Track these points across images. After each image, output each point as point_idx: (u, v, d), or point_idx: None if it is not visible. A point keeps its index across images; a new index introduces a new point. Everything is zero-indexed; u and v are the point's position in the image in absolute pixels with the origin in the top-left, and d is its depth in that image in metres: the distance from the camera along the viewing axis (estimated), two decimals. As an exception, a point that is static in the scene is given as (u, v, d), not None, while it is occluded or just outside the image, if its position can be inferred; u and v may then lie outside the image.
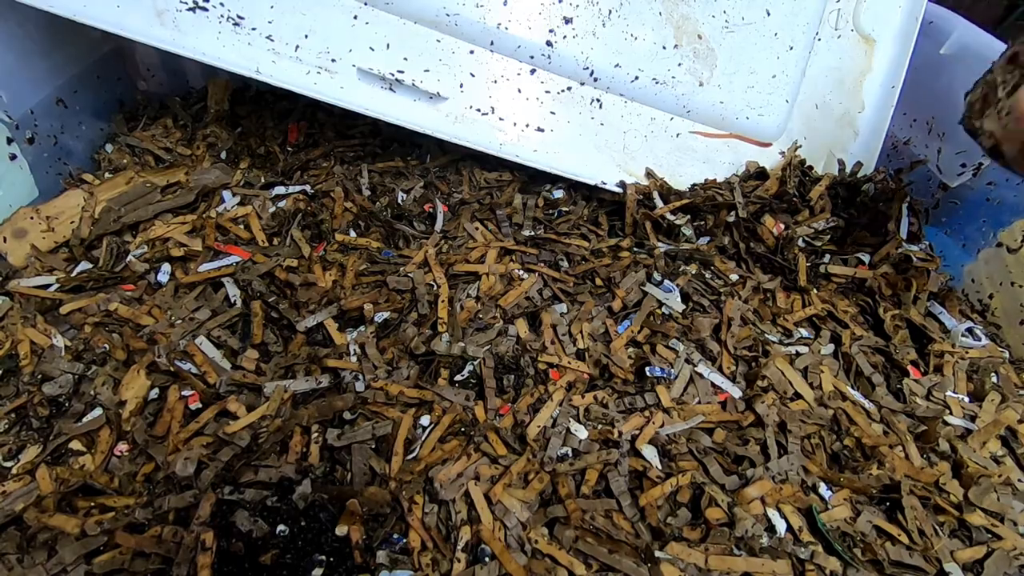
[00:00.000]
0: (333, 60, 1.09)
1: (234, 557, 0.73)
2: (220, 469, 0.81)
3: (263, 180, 1.26)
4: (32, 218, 1.12)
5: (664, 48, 1.20)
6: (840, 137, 1.38)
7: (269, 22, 1.06)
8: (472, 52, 1.13)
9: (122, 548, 0.73)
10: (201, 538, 0.73)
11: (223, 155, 1.34)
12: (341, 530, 0.75)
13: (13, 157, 1.14)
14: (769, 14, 1.27)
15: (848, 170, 1.31)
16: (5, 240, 1.10)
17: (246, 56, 1.06)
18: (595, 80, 1.18)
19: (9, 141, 1.13)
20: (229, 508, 0.77)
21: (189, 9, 1.03)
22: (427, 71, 1.11)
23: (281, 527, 0.75)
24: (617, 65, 1.18)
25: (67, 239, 1.13)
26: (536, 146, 1.16)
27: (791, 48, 1.30)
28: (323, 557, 0.73)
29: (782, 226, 1.17)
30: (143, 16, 1.01)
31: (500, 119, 1.14)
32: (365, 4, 1.08)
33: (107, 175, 1.26)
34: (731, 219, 1.18)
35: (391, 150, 1.37)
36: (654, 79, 1.20)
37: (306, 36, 1.08)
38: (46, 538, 0.74)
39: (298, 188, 1.24)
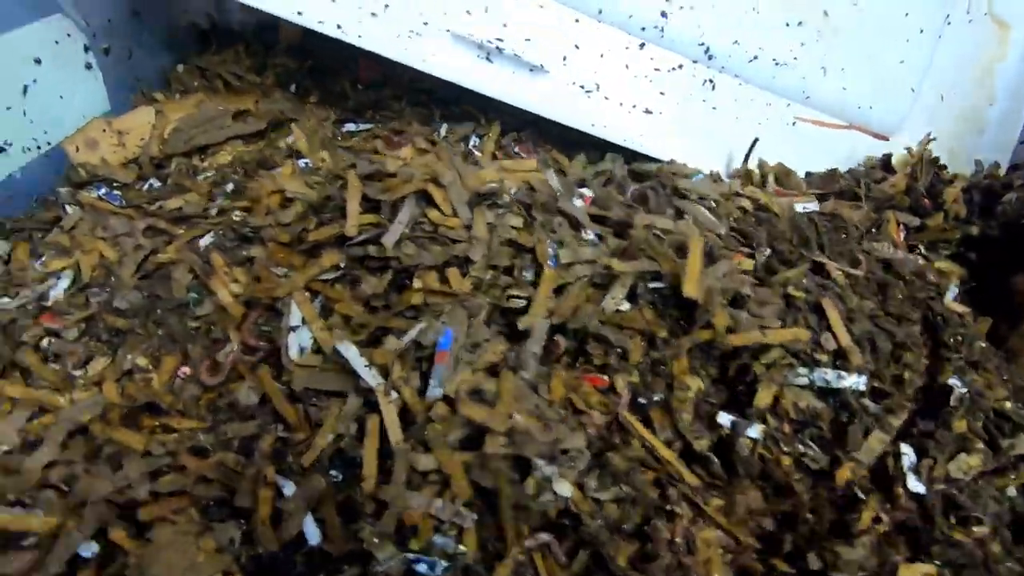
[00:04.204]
0: (425, 23, 0.98)
1: None
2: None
3: (333, 116, 1.24)
4: (104, 130, 1.12)
5: (788, 25, 1.07)
6: (965, 132, 1.24)
7: (356, -23, 0.95)
8: (577, 21, 1.01)
9: (187, 470, 0.70)
10: (263, 473, 0.68)
11: (292, 88, 1.31)
12: None
13: (89, 66, 1.12)
14: (902, -9, 1.14)
15: (984, 171, 1.17)
16: (77, 149, 1.09)
17: (328, 11, 0.96)
18: (710, 58, 1.06)
19: (86, 49, 1.10)
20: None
21: None
22: (528, 40, 1.00)
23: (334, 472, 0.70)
24: (736, 42, 1.05)
25: (136, 156, 1.14)
26: (644, 130, 1.05)
27: (921, 31, 1.17)
28: None
29: (902, 234, 1.04)
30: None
31: (605, 98, 1.03)
32: (462, -38, 0.96)
33: (177, 96, 1.27)
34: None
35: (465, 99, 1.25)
36: (774, 60, 1.08)
37: (397, -6, 0.97)
38: (111, 452, 0.72)
39: (368, 126, 1.21)
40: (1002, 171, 1.19)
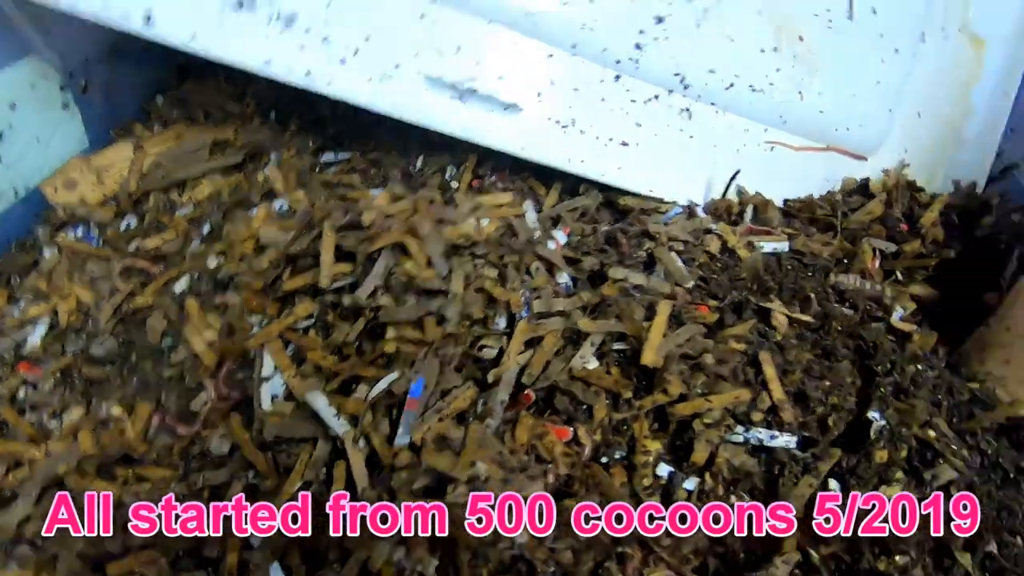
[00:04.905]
0: (397, 66, 0.98)
1: None
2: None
3: (312, 145, 1.23)
4: (83, 169, 1.12)
5: (763, 51, 1.07)
6: (943, 150, 1.25)
7: (325, 22, 0.94)
8: (551, 56, 1.01)
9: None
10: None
11: (272, 114, 1.29)
12: None
13: (66, 106, 1.12)
14: (875, 12, 1.14)
15: (962, 191, 1.16)
16: (56, 191, 1.09)
17: (297, 61, 0.94)
18: (686, 88, 1.06)
19: (62, 89, 1.11)
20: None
21: (233, 8, 0.91)
22: (501, 78, 1.00)
23: None
24: (711, 70, 1.05)
25: (115, 193, 1.12)
26: (621, 163, 1.04)
27: (896, 51, 1.17)
28: None
29: (877, 262, 1.02)
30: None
31: (581, 132, 1.03)
32: (433, 1, 0.96)
33: (156, 127, 1.26)
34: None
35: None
36: (750, 86, 1.08)
37: (367, 39, 0.96)
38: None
39: (347, 155, 1.22)
40: (979, 188, 1.19)
